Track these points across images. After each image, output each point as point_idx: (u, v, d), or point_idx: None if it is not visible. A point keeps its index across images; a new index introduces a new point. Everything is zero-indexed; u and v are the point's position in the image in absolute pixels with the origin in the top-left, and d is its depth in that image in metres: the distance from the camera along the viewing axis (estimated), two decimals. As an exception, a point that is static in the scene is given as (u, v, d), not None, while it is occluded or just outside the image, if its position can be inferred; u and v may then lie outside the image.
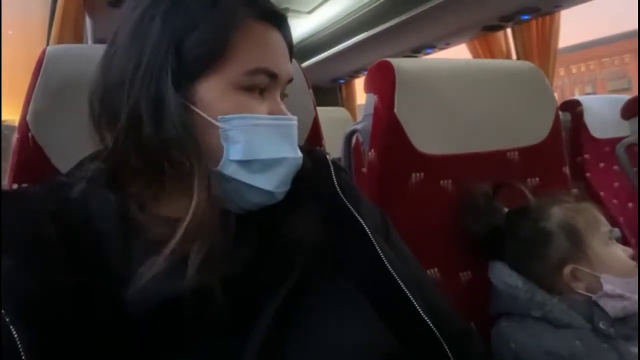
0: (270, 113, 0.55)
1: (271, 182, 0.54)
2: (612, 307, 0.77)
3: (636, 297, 0.77)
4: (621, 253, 0.82)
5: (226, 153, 0.52)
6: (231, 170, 0.52)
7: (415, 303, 0.56)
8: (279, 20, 0.57)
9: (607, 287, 0.78)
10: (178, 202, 0.52)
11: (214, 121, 0.52)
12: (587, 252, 0.81)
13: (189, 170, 0.50)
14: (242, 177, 0.53)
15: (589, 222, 0.83)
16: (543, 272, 0.83)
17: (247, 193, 0.53)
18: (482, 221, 0.91)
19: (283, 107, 0.57)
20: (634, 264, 0.80)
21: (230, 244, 0.51)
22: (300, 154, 0.57)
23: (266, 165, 0.54)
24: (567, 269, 0.82)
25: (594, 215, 0.85)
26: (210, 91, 0.52)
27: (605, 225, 0.84)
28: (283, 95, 0.59)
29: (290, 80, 0.59)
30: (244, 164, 0.52)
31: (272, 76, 0.55)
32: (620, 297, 0.77)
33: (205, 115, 0.52)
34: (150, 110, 0.50)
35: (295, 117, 0.58)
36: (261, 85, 0.54)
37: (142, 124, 0.50)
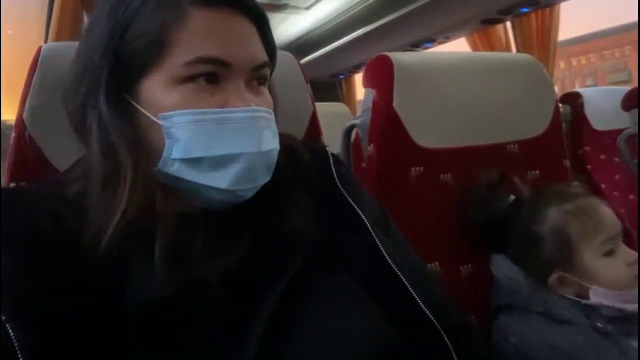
0: (225, 105, 0.51)
1: (224, 180, 0.51)
2: (607, 311, 0.75)
3: (631, 306, 0.74)
4: (619, 264, 0.77)
5: (167, 151, 0.51)
6: (175, 169, 0.51)
7: (415, 295, 0.56)
8: (233, 4, 0.53)
9: (596, 299, 0.76)
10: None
11: (156, 120, 0.51)
12: (577, 262, 0.78)
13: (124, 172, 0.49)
14: (190, 176, 0.51)
15: (586, 229, 0.78)
16: (535, 271, 0.82)
17: (204, 191, 0.52)
18: (484, 210, 0.89)
19: (247, 97, 0.52)
20: (632, 276, 0.76)
21: (199, 243, 0.49)
22: (270, 147, 0.53)
23: (217, 162, 0.51)
24: (554, 276, 0.80)
25: (595, 220, 0.79)
26: (153, 88, 0.51)
27: (606, 232, 0.78)
28: (260, 83, 0.56)
29: (264, 66, 0.55)
30: (190, 162, 0.51)
31: (222, 65, 0.51)
32: (610, 308, 0.75)
33: (148, 114, 0.52)
34: (92, 116, 0.52)
35: (261, 108, 0.53)
36: (207, 76, 0.51)
37: (91, 129, 0.51)
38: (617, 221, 0.80)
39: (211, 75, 0.51)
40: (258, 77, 0.55)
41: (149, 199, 0.50)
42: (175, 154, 0.51)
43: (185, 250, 0.48)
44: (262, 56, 0.55)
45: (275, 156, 0.54)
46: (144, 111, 0.52)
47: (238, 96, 0.52)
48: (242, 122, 0.51)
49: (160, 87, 0.51)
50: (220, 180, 0.51)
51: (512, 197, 0.90)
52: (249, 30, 0.54)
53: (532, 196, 0.87)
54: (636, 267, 0.76)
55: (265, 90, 0.57)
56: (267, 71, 0.57)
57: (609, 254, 0.78)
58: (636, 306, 0.74)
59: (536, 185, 0.92)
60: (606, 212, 0.81)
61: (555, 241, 0.79)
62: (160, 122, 0.51)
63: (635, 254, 0.78)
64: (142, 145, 0.51)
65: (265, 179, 0.54)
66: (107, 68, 0.51)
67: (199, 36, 0.51)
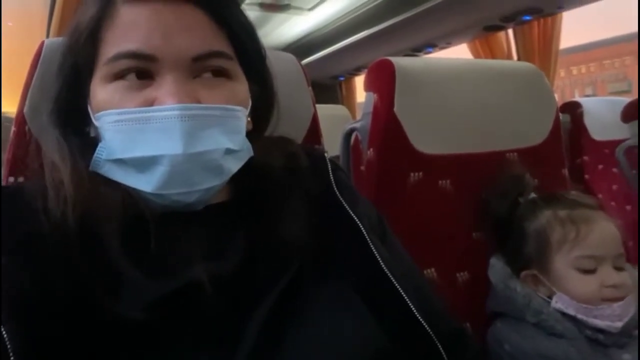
0: (153, 102, 0.48)
1: (150, 183, 0.48)
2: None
3: (594, 321, 0.74)
4: (592, 282, 0.76)
5: (98, 152, 0.51)
6: (106, 170, 0.51)
7: (409, 303, 0.55)
8: None
9: (557, 305, 0.77)
10: None
11: (94, 120, 0.52)
12: (550, 266, 0.80)
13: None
14: (120, 178, 0.50)
15: (566, 238, 0.79)
16: (514, 265, 0.85)
17: (140, 195, 0.50)
18: (506, 202, 0.90)
19: (183, 91, 0.48)
20: (603, 296, 0.75)
21: (186, 246, 0.48)
22: (206, 148, 0.48)
23: (140, 164, 0.48)
24: (528, 272, 0.83)
25: (580, 233, 0.78)
26: (94, 88, 0.52)
27: (586, 249, 0.77)
28: (216, 75, 0.52)
29: (213, 56, 0.51)
30: (117, 163, 0.50)
31: (145, 58, 0.49)
32: (573, 318, 0.76)
33: (91, 115, 0.52)
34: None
35: (195, 105, 0.48)
36: (132, 72, 0.49)
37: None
38: (612, 244, 0.78)
39: (137, 71, 0.49)
40: (207, 69, 0.51)
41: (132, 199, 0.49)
42: (101, 154, 0.51)
43: (174, 253, 0.47)
44: (208, 45, 0.51)
45: (218, 157, 0.50)
46: (90, 113, 0.52)
47: (167, 91, 0.48)
48: (164, 121, 0.47)
49: (98, 87, 0.51)
50: (146, 183, 0.48)
51: (533, 195, 0.91)
52: (191, 18, 0.50)
53: (538, 198, 0.89)
54: (612, 290, 0.75)
55: (225, 82, 0.53)
56: (221, 61, 0.52)
57: (586, 271, 0.77)
58: (600, 322, 0.74)
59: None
60: (601, 231, 0.79)
61: (535, 240, 0.82)
62: (95, 123, 0.52)
63: (617, 279, 0.76)
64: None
65: (209, 182, 0.50)
66: (69, 67, 0.53)
67: (123, 31, 0.50)
